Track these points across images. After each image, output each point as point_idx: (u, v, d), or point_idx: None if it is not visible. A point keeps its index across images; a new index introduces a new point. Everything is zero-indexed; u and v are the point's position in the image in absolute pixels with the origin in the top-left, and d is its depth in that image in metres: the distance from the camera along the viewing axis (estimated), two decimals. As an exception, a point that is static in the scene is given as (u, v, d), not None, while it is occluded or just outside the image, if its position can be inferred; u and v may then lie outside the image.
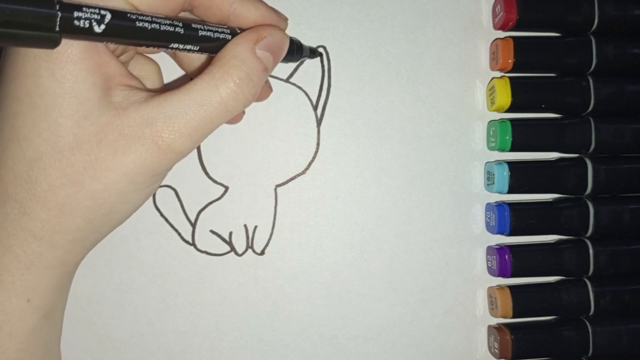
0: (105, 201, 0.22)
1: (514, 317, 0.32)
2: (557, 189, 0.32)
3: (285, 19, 0.27)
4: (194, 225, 0.32)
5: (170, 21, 0.22)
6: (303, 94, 0.32)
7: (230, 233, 0.32)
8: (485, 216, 0.33)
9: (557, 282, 0.33)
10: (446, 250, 0.33)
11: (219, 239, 0.32)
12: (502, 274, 0.32)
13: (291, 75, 0.32)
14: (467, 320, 0.33)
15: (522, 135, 0.31)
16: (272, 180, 0.32)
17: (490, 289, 0.33)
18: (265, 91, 0.30)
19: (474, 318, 0.33)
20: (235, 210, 0.32)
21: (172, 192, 0.31)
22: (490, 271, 0.33)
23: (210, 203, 0.32)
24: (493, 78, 0.32)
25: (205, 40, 0.23)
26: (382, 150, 0.32)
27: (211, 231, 0.32)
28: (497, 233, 0.32)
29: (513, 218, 0.31)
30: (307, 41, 0.32)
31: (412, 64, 0.32)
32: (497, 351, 0.32)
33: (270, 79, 0.32)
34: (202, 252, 0.32)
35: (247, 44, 0.23)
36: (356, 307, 0.32)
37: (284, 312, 0.32)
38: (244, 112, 0.30)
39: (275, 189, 0.32)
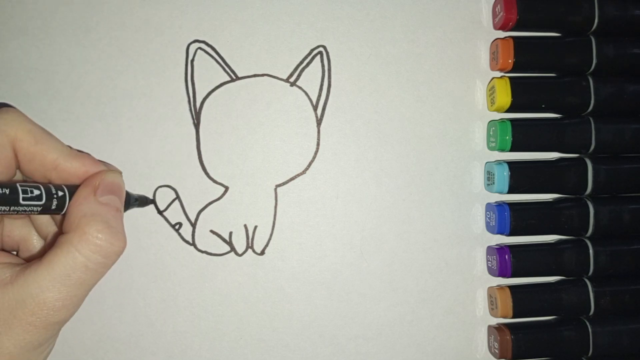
0: None
1: (514, 317, 0.32)
2: (557, 189, 0.32)
3: (116, 169, 0.27)
4: (194, 225, 0.32)
5: None
6: (303, 93, 0.32)
7: (230, 233, 0.32)
8: (485, 216, 0.33)
9: (557, 282, 0.33)
10: (446, 250, 0.33)
11: (219, 239, 0.32)
12: (502, 274, 0.32)
13: (291, 75, 0.32)
14: (467, 320, 0.33)
15: (522, 135, 0.31)
16: (272, 180, 0.32)
17: (490, 289, 0.33)
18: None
19: (474, 318, 0.33)
20: (235, 210, 0.32)
21: (172, 192, 0.31)
22: (490, 271, 0.33)
23: (210, 203, 0.32)
24: (493, 78, 0.32)
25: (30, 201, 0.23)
26: (382, 150, 0.32)
27: (211, 231, 0.32)
28: (497, 233, 0.32)
29: (513, 218, 0.31)
30: (307, 41, 0.32)
31: (412, 64, 0.32)
32: (497, 351, 0.32)
33: (272, 80, 0.32)
34: (202, 252, 0.32)
35: (87, 197, 0.23)
36: (356, 307, 0.32)
37: (284, 312, 0.32)
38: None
39: (275, 189, 0.32)
